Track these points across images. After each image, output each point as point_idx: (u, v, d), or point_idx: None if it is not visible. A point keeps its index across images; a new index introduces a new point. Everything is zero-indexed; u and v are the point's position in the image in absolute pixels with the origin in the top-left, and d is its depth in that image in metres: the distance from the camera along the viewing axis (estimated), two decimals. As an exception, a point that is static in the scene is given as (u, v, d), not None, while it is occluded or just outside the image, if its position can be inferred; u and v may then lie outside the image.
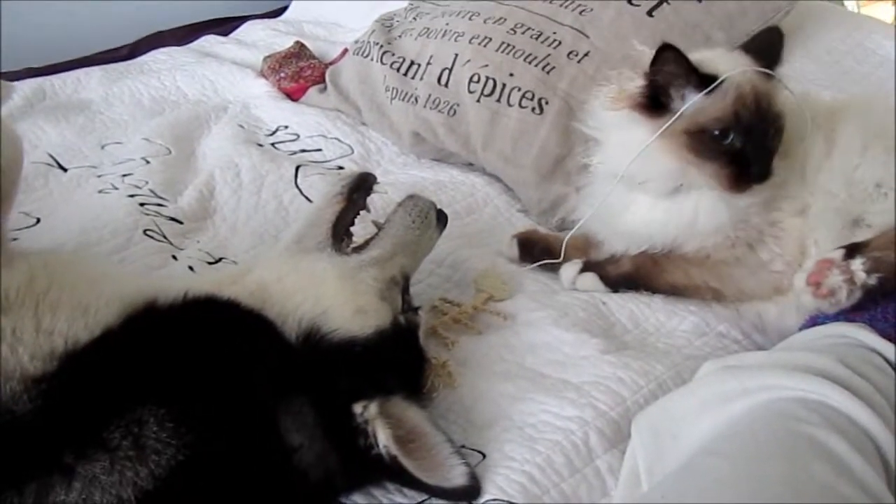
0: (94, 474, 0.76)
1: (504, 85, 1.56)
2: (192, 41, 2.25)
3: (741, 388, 0.90)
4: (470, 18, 1.68)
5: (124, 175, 1.51)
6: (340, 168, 1.64)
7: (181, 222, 1.42)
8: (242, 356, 0.91)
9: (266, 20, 2.44)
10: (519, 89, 1.55)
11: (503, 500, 0.92)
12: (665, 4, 1.63)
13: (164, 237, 1.37)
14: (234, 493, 0.85)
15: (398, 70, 1.71)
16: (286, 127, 1.76)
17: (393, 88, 1.70)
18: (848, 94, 1.64)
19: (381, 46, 1.75)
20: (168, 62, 2.07)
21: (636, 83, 1.16)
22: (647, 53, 1.14)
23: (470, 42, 1.63)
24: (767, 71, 1.15)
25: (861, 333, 0.99)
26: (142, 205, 1.42)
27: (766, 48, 1.20)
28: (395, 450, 0.89)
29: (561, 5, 1.64)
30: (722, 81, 1.12)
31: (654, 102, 1.15)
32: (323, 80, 1.90)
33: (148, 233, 1.36)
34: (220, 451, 0.84)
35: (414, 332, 1.07)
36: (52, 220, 1.40)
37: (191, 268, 1.31)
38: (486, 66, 1.58)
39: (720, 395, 0.91)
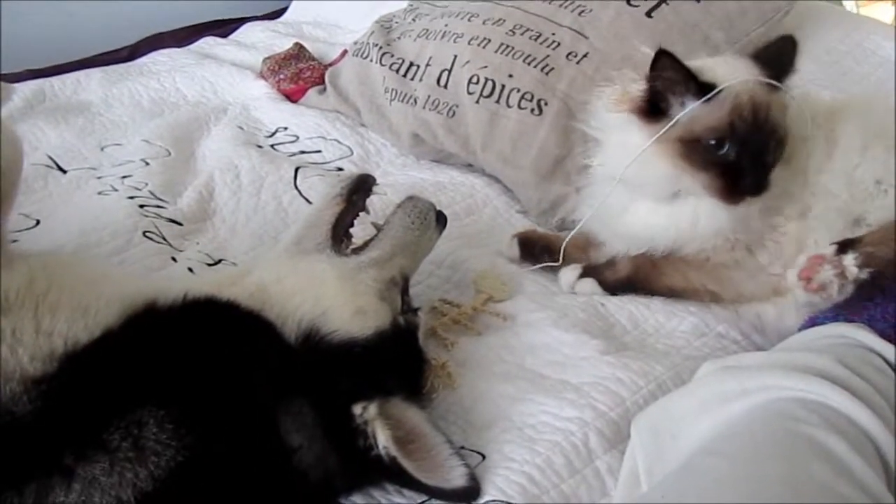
0: (94, 475, 0.77)
1: (503, 86, 1.56)
2: (191, 43, 2.25)
3: (740, 388, 0.90)
4: (469, 20, 1.68)
5: (124, 177, 1.51)
6: (340, 169, 1.64)
7: (181, 224, 1.42)
8: (242, 357, 0.91)
9: (265, 22, 2.44)
10: (518, 90, 1.55)
11: (503, 501, 0.92)
12: (664, 5, 1.62)
13: (164, 239, 1.37)
14: (233, 495, 0.85)
15: (397, 71, 1.71)
16: (286, 128, 1.76)
17: (392, 90, 1.70)
18: (847, 94, 1.64)
19: (381, 48, 1.75)
20: (168, 64, 2.07)
21: (638, 86, 1.16)
22: (650, 55, 1.13)
23: (469, 43, 1.63)
24: (771, 81, 1.13)
25: (860, 334, 0.99)
26: (141, 206, 1.42)
27: (778, 57, 1.17)
28: (394, 451, 0.90)
29: (560, 6, 1.64)
30: (720, 91, 1.10)
31: (654, 107, 1.14)
32: (322, 82, 1.90)
33: (147, 234, 1.36)
34: (219, 452, 0.84)
35: (413, 332, 1.07)
36: (52, 221, 1.40)
37: (190, 269, 1.31)
38: (486, 67, 1.58)
39: (719, 396, 0.91)
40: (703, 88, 1.11)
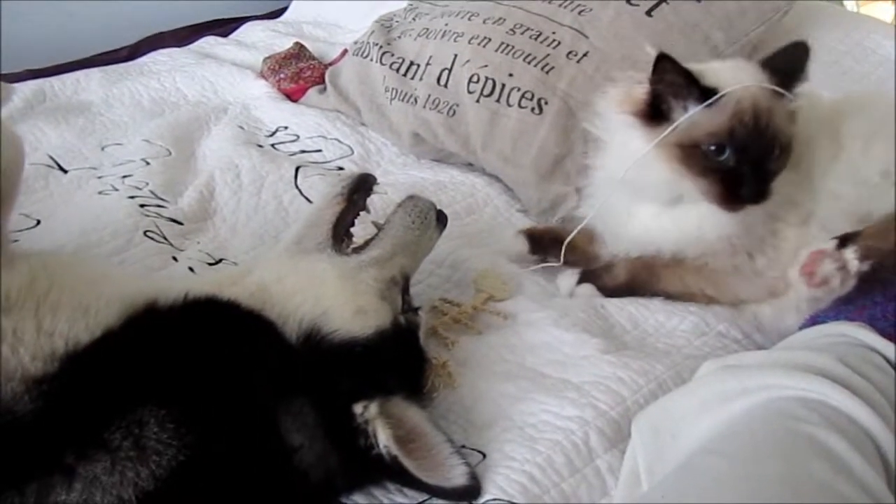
0: (95, 475, 0.77)
1: (503, 85, 1.56)
2: (191, 42, 2.25)
3: (741, 387, 0.90)
4: (469, 19, 1.68)
5: (124, 176, 1.51)
6: (340, 169, 1.64)
7: (181, 223, 1.43)
8: (243, 357, 0.91)
9: (266, 21, 2.44)
10: (518, 89, 1.55)
11: (503, 500, 0.92)
12: (664, 4, 1.62)
13: (165, 238, 1.37)
14: (234, 494, 0.85)
15: (398, 70, 1.71)
16: (286, 128, 1.76)
17: (392, 89, 1.70)
18: (847, 93, 1.64)
19: (381, 47, 1.75)
20: (168, 63, 2.07)
21: (641, 88, 1.14)
22: (654, 56, 1.12)
23: (469, 42, 1.63)
24: (776, 88, 1.11)
25: (861, 332, 0.99)
26: (142, 206, 1.43)
27: (789, 64, 1.15)
28: (395, 450, 0.90)
29: (560, 5, 1.64)
30: (722, 96, 1.09)
31: (656, 111, 1.13)
32: (323, 81, 1.90)
33: (148, 234, 1.36)
34: (220, 451, 0.84)
35: (414, 332, 1.07)
36: (53, 221, 1.40)
37: (191, 269, 1.31)
38: (486, 66, 1.58)
39: (720, 395, 0.91)
40: (705, 93, 1.09)
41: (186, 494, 0.81)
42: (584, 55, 1.56)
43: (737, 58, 1.29)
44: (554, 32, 1.59)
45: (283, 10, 2.54)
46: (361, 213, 1.17)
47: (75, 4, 2.43)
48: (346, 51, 1.97)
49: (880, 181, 1.15)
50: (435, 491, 0.92)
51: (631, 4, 1.62)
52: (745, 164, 1.09)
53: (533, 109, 1.53)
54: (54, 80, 1.94)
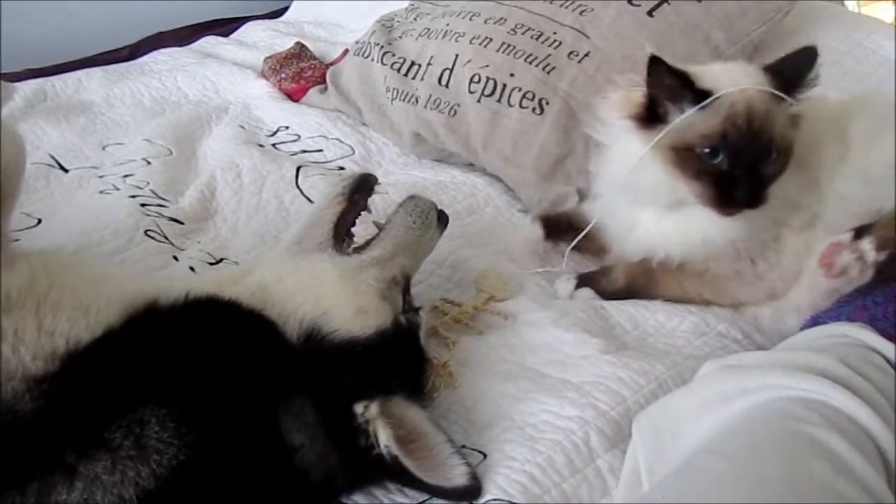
0: (96, 474, 0.77)
1: (504, 85, 1.56)
2: (192, 42, 2.26)
3: (741, 387, 0.90)
4: (470, 19, 1.68)
5: (125, 176, 1.51)
6: (341, 169, 1.64)
7: (182, 223, 1.43)
8: (243, 357, 0.91)
9: (266, 21, 2.44)
10: (519, 89, 1.55)
11: (504, 500, 0.92)
12: (665, 4, 1.62)
13: (166, 238, 1.37)
14: (235, 494, 0.85)
15: (399, 70, 1.71)
16: (287, 127, 1.76)
17: (393, 89, 1.70)
18: (849, 93, 1.64)
19: (382, 47, 1.75)
20: (169, 63, 2.08)
21: (639, 92, 1.13)
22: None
23: (470, 42, 1.63)
24: (775, 91, 1.10)
25: (862, 333, 0.98)
26: (143, 205, 1.43)
27: (794, 68, 1.13)
28: (395, 450, 0.90)
29: (561, 5, 1.64)
30: (716, 98, 1.08)
31: (653, 114, 1.12)
32: (324, 81, 1.90)
33: (149, 233, 1.37)
34: (221, 451, 0.84)
35: (415, 332, 1.07)
36: (54, 220, 1.40)
37: (192, 268, 1.31)
38: (487, 66, 1.58)
39: (720, 395, 0.91)
40: (699, 95, 1.08)
41: (187, 494, 0.81)
42: (586, 55, 1.56)
43: (738, 60, 1.28)
44: (555, 32, 1.59)
45: (284, 9, 2.54)
46: (362, 213, 1.17)
47: (76, 4, 2.43)
48: (347, 51, 1.97)
49: (888, 174, 1.14)
50: (435, 491, 0.92)
51: (632, 5, 1.62)
52: (738, 168, 1.08)
53: (534, 110, 1.53)
54: (55, 80, 1.94)
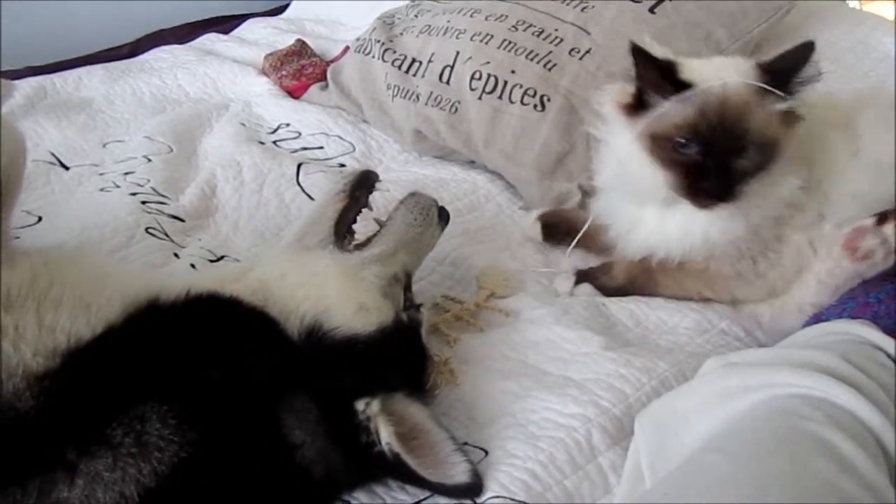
0: (97, 471, 0.76)
1: (505, 82, 1.56)
2: (193, 39, 2.26)
3: (743, 384, 0.90)
4: (471, 16, 1.68)
5: (126, 173, 1.51)
6: (342, 166, 1.64)
7: (183, 220, 1.42)
8: (245, 354, 0.91)
9: (267, 18, 2.44)
10: (520, 86, 1.55)
11: (505, 498, 0.92)
12: (666, 1, 1.62)
13: (166, 235, 1.37)
14: (236, 491, 0.85)
15: (399, 68, 1.71)
16: (288, 125, 1.76)
17: (394, 86, 1.70)
18: (852, 90, 1.64)
19: (383, 44, 1.75)
20: (169, 60, 2.07)
21: (632, 84, 1.15)
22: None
23: (471, 39, 1.62)
24: (762, 85, 1.10)
25: (864, 330, 0.98)
26: (143, 203, 1.42)
27: (789, 64, 1.13)
28: (397, 447, 0.89)
29: (563, 2, 1.63)
30: (693, 89, 1.09)
31: (643, 104, 1.14)
32: (324, 78, 1.90)
33: (150, 231, 1.36)
34: (222, 448, 0.84)
35: (416, 329, 1.07)
36: (54, 218, 1.40)
37: (193, 266, 1.31)
38: (488, 63, 1.58)
39: (723, 392, 0.91)
40: (680, 86, 1.10)
41: (188, 491, 0.80)
42: (587, 52, 1.56)
43: (736, 55, 1.28)
44: (556, 29, 1.59)
45: (285, 7, 2.54)
46: (363, 210, 1.17)
47: (77, 4, 2.43)
48: (347, 48, 1.96)
49: None
50: (437, 488, 0.91)
51: (634, 1, 1.62)
52: (710, 160, 1.09)
53: (535, 107, 1.53)
54: (56, 77, 1.94)
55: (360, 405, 0.91)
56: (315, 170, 1.57)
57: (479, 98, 1.57)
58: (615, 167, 1.21)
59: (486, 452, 0.99)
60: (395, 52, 1.73)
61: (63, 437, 0.77)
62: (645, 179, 1.16)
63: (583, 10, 1.61)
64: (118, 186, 1.47)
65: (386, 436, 0.90)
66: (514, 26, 1.61)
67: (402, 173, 1.63)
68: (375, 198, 1.20)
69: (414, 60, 1.69)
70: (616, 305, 1.26)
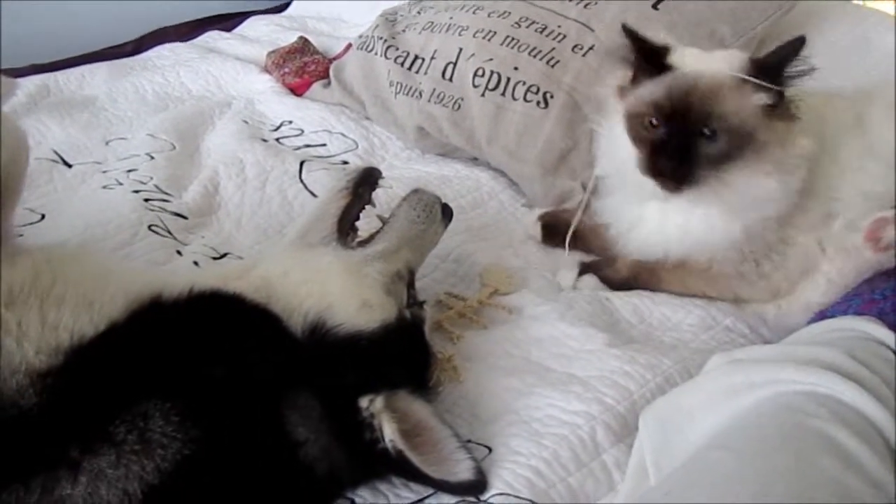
0: (100, 468, 0.76)
1: (508, 79, 1.56)
2: (195, 37, 2.25)
3: (748, 381, 0.90)
4: (474, 12, 1.68)
5: (129, 171, 1.51)
6: (345, 163, 1.63)
7: (186, 217, 1.42)
8: (248, 350, 0.91)
9: (269, 16, 2.44)
10: (523, 83, 1.54)
11: (509, 495, 0.92)
12: (669, -2, 1.62)
13: (169, 232, 1.37)
14: (239, 488, 0.84)
15: (402, 64, 1.70)
16: (290, 122, 1.76)
17: (397, 83, 1.70)
18: (855, 87, 1.63)
19: (385, 41, 1.75)
20: (172, 58, 2.07)
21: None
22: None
23: (474, 36, 1.62)
24: (746, 77, 1.10)
25: (870, 327, 0.98)
26: (146, 200, 1.42)
27: (779, 58, 1.12)
28: (401, 444, 0.89)
29: (566, -1, 1.63)
30: (669, 71, 1.13)
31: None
32: (327, 76, 1.89)
33: (153, 228, 1.36)
34: (225, 445, 0.84)
35: (419, 326, 1.07)
36: (57, 215, 1.39)
37: (196, 263, 1.31)
38: (491, 60, 1.58)
39: (727, 389, 0.91)
40: (663, 69, 1.13)
41: (191, 488, 0.80)
42: (590, 49, 1.55)
43: (732, 48, 1.29)
44: (559, 26, 1.59)
45: (287, 4, 2.54)
46: (366, 207, 1.17)
47: (80, 3, 2.43)
48: (350, 45, 1.96)
49: None
50: (440, 485, 0.91)
51: (637, -2, 1.62)
52: (673, 139, 1.11)
53: (538, 103, 1.53)
54: (58, 75, 1.94)
55: (363, 402, 0.91)
56: (318, 167, 1.57)
57: (482, 95, 1.57)
58: (609, 150, 1.23)
59: (490, 449, 0.98)
60: (397, 49, 1.73)
61: (66, 434, 0.77)
62: (629, 161, 1.17)
63: (586, 6, 1.61)
64: (121, 184, 1.47)
65: (389, 433, 0.90)
66: (516, 23, 1.61)
67: (404, 170, 1.63)
68: (378, 195, 1.19)
69: (417, 57, 1.69)
70: (620, 301, 1.26)
